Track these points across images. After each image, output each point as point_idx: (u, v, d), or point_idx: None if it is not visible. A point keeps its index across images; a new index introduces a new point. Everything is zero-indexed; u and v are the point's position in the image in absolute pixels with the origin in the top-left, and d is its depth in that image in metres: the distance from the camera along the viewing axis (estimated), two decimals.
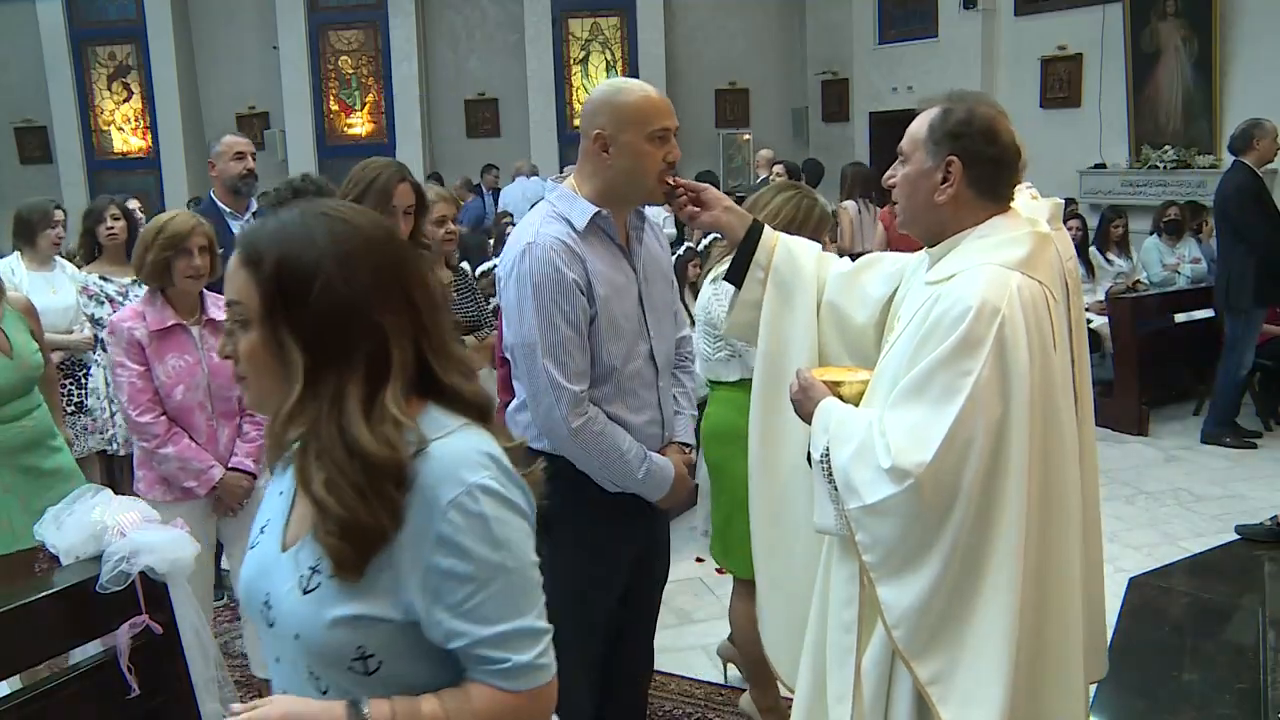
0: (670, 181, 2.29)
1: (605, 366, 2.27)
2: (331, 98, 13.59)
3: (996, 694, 1.75)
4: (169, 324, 3.06)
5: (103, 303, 4.32)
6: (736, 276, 2.30)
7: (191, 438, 3.08)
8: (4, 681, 2.24)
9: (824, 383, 2.02)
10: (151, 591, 2.17)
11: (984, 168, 1.89)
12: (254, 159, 4.29)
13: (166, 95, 13.38)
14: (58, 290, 4.50)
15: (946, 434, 1.74)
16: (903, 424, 1.79)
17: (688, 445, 2.49)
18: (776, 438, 2.28)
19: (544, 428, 2.25)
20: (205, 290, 3.16)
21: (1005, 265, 1.84)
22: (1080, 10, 9.63)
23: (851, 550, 1.88)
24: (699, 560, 4.36)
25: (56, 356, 4.24)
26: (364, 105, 13.54)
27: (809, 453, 1.96)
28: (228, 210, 4.17)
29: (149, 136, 13.73)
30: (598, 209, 2.27)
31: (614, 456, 2.25)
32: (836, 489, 1.86)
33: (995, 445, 1.76)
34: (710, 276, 3.04)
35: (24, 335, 3.26)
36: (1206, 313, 6.60)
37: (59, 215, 4.61)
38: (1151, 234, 7.30)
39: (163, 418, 3.05)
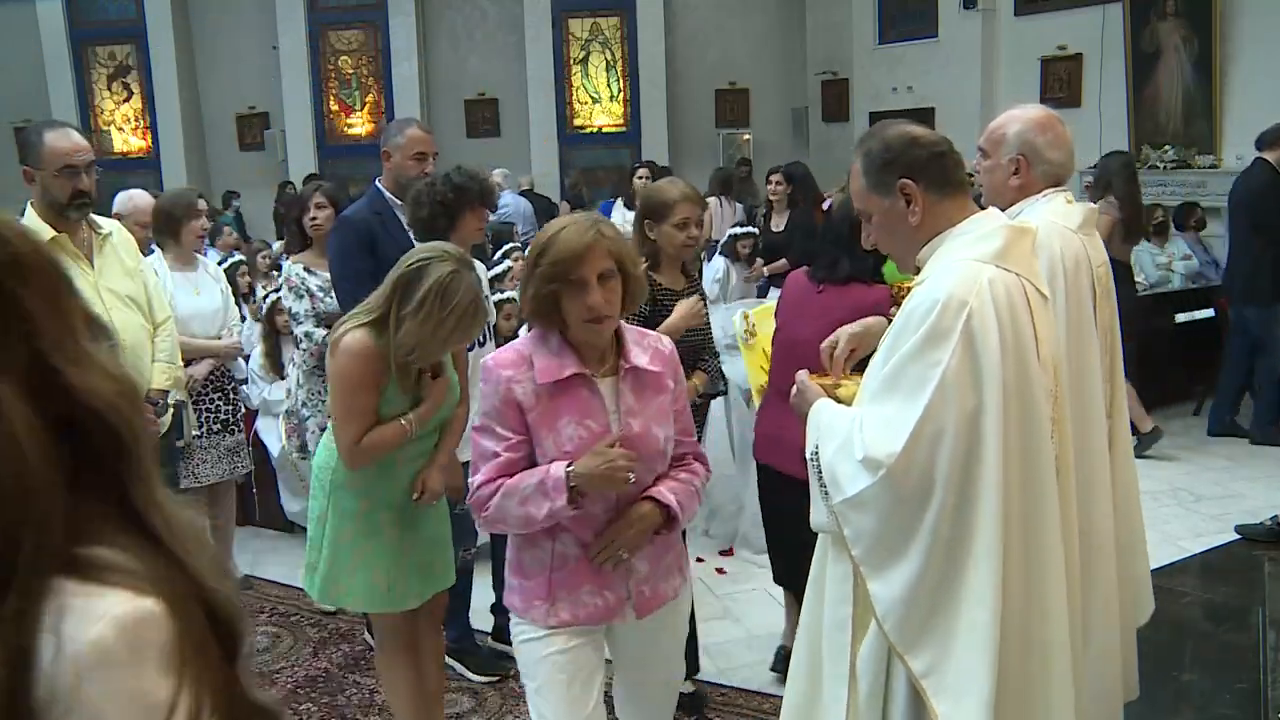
0: None
1: None
2: (331, 98, 13.58)
3: (983, 685, 1.76)
4: (567, 374, 2.13)
5: (302, 296, 3.83)
6: None
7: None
8: None
9: (821, 386, 2.06)
10: None
11: (929, 169, 1.92)
12: (434, 162, 3.67)
13: (166, 95, 13.38)
14: (202, 291, 4.06)
15: (915, 424, 1.76)
16: (878, 417, 1.83)
17: None
18: None
19: None
20: (624, 323, 2.24)
21: (979, 260, 1.86)
22: (1080, 10, 9.62)
23: (845, 549, 1.90)
24: (699, 560, 4.37)
25: (203, 368, 4.05)
26: (364, 105, 13.52)
27: (803, 452, 1.98)
28: (398, 203, 3.55)
29: (149, 137, 13.72)
30: None
31: None
32: (825, 486, 1.89)
33: (970, 435, 1.77)
34: None
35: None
36: (1207, 312, 6.60)
37: (203, 205, 4.11)
38: None
39: None
